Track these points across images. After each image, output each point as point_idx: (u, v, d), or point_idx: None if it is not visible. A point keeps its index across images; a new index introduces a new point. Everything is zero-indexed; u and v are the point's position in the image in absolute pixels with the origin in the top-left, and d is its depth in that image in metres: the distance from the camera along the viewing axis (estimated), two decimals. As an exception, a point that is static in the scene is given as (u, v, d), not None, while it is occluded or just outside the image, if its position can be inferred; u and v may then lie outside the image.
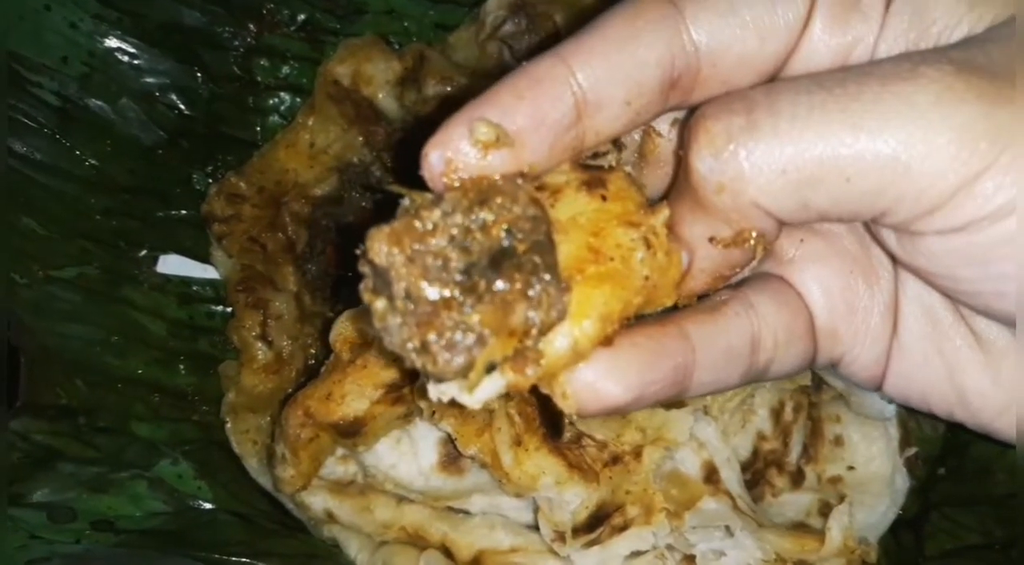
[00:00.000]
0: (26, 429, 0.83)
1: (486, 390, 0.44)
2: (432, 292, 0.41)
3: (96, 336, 0.96)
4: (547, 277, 0.41)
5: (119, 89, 1.05)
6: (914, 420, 0.97)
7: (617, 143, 0.52)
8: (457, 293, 0.41)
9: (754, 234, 0.45)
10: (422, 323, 0.41)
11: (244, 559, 0.84)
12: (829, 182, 0.42)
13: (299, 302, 1.04)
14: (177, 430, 0.94)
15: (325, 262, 1.04)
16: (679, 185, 0.47)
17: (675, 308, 0.49)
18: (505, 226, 0.42)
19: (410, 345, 0.43)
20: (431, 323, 0.41)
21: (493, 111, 0.44)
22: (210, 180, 1.09)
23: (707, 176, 0.43)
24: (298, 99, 1.14)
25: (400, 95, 1.13)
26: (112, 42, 1.06)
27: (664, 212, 0.46)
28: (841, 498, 0.91)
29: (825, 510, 0.91)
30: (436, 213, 0.42)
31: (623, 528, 0.82)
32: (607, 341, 0.44)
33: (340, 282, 1.03)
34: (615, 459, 0.84)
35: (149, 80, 1.08)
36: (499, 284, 0.41)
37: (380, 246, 0.41)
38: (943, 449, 0.99)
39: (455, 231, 0.41)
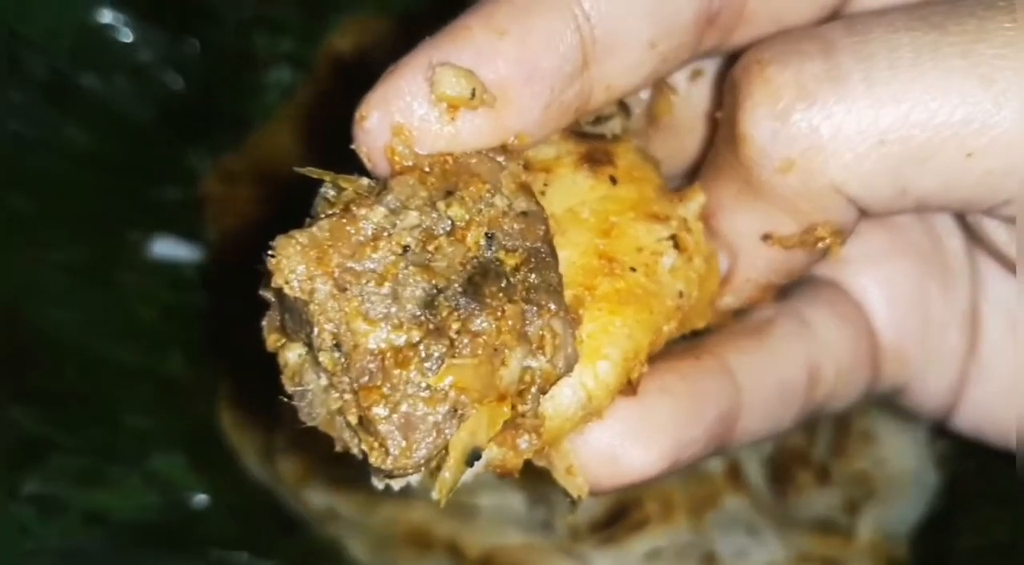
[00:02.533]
0: (15, 419, 0.80)
1: (459, 479, 0.30)
2: (376, 338, 0.27)
3: (87, 321, 0.92)
4: (549, 304, 0.28)
5: (112, 64, 1.00)
6: (943, 413, 0.93)
7: (623, 105, 0.37)
8: (416, 337, 0.27)
9: (829, 230, 0.32)
10: (363, 388, 0.27)
11: (242, 555, 0.80)
12: (943, 158, 0.29)
13: (299, 287, 1.00)
14: (170, 421, 0.90)
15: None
16: (718, 161, 0.34)
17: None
18: (485, 229, 0.28)
19: (342, 421, 0.29)
20: (375, 388, 0.27)
21: (463, 53, 0.30)
22: (205, 159, 1.04)
23: (767, 148, 0.31)
24: (298, 75, 1.09)
25: (405, 72, 1.09)
26: (104, 15, 1.02)
27: (698, 198, 0.33)
28: (869, 495, 0.88)
29: (852, 507, 0.87)
30: (379, 211, 0.28)
31: (641, 526, 0.79)
32: (630, 389, 0.31)
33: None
34: (633, 453, 0.80)
35: (143, 54, 1.03)
36: (480, 321, 0.27)
37: (292, 266, 0.28)
38: (972, 444, 0.95)
39: (409, 239, 0.28)
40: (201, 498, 0.84)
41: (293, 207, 1.06)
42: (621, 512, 0.79)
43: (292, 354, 0.29)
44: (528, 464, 0.39)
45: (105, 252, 0.95)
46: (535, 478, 0.76)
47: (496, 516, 0.85)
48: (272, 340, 0.29)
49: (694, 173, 0.38)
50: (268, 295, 0.29)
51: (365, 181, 0.30)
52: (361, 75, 1.07)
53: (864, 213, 0.33)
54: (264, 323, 0.29)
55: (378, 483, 0.31)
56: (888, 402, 0.47)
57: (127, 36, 1.03)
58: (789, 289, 0.39)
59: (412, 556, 0.84)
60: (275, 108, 1.08)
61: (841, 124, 0.29)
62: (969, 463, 0.94)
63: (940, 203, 0.31)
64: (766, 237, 0.34)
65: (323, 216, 0.30)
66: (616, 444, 0.33)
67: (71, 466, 0.80)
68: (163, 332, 0.96)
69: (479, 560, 0.83)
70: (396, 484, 0.31)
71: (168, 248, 1.01)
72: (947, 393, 0.42)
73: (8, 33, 0.96)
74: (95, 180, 0.98)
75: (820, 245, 0.33)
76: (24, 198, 0.92)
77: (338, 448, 0.30)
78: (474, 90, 0.29)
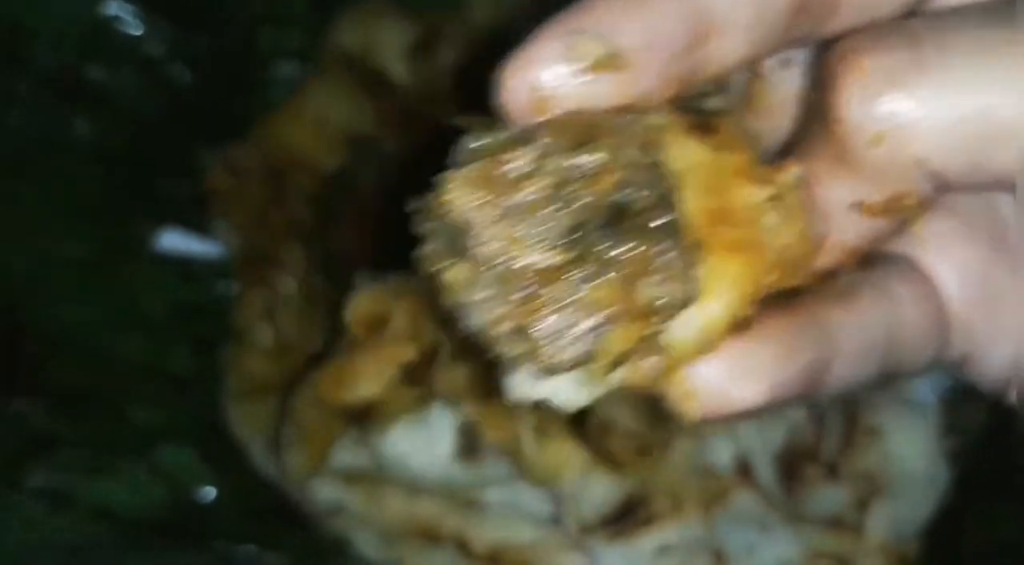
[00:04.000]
0: (22, 413, 0.80)
1: (593, 391, 0.35)
2: (532, 259, 0.32)
3: (94, 315, 0.92)
4: (675, 243, 0.33)
5: (119, 57, 1.01)
6: (955, 409, 0.92)
7: (721, 84, 0.49)
8: (566, 260, 0.32)
9: (912, 200, 0.37)
10: (520, 301, 0.32)
11: (249, 548, 0.80)
12: (1019, 137, 0.34)
13: (305, 282, 1.00)
14: (177, 415, 0.90)
15: (334, 241, 0.99)
16: (811, 138, 0.39)
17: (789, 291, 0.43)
18: (619, 175, 0.33)
19: (503, 328, 0.34)
20: (533, 299, 0.32)
21: (595, 24, 0.36)
22: (213, 153, 1.04)
23: (860, 124, 0.35)
24: (305, 69, 1.09)
25: (413, 65, 1.09)
26: (112, 9, 1.02)
27: (796, 169, 0.37)
28: (879, 491, 0.87)
29: (862, 504, 0.87)
30: (526, 156, 0.33)
31: (650, 522, 0.79)
32: (739, 329, 0.36)
33: (349, 262, 0.98)
34: (643, 450, 0.79)
35: (150, 48, 1.03)
36: (617, 251, 0.32)
37: (461, 194, 0.33)
38: (984, 439, 0.95)
39: (554, 180, 0.33)
40: (208, 492, 0.84)
41: (301, 198, 1.06)
42: (630, 508, 0.79)
43: (458, 272, 0.34)
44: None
45: (111, 246, 0.95)
46: (549, 476, 0.77)
47: (504, 511, 0.84)
48: (435, 262, 0.34)
49: (785, 151, 0.43)
50: (430, 226, 0.34)
51: (515, 131, 0.34)
52: (365, 69, 1.07)
53: (945, 187, 0.37)
54: (426, 250, 0.34)
55: (518, 392, 0.36)
56: (951, 371, 0.50)
57: (135, 29, 1.03)
58: (870, 261, 0.44)
59: (419, 551, 0.83)
60: (282, 102, 1.09)
61: (925, 104, 0.34)
62: (980, 460, 0.94)
63: (1013, 180, 0.35)
64: (855, 205, 0.38)
65: (478, 159, 0.34)
66: (727, 377, 0.37)
67: (78, 459, 0.79)
68: (170, 326, 0.96)
69: (487, 555, 0.82)
70: (534, 394, 0.35)
71: (175, 242, 1.01)
72: (1008, 367, 0.45)
73: (14, 25, 0.96)
74: (101, 173, 0.98)
75: (902, 214, 0.38)
76: (30, 191, 0.93)
77: (494, 353, 0.34)
78: (606, 55, 0.34)
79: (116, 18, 1.02)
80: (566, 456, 0.77)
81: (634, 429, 0.79)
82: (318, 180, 1.04)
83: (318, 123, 1.06)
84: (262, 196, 1.02)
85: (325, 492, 0.85)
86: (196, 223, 1.02)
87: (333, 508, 0.85)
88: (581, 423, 0.79)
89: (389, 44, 1.07)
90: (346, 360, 0.75)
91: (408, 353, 0.74)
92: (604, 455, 0.78)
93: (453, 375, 0.74)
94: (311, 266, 1.01)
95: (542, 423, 0.77)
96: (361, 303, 0.76)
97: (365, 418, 0.77)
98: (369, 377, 0.74)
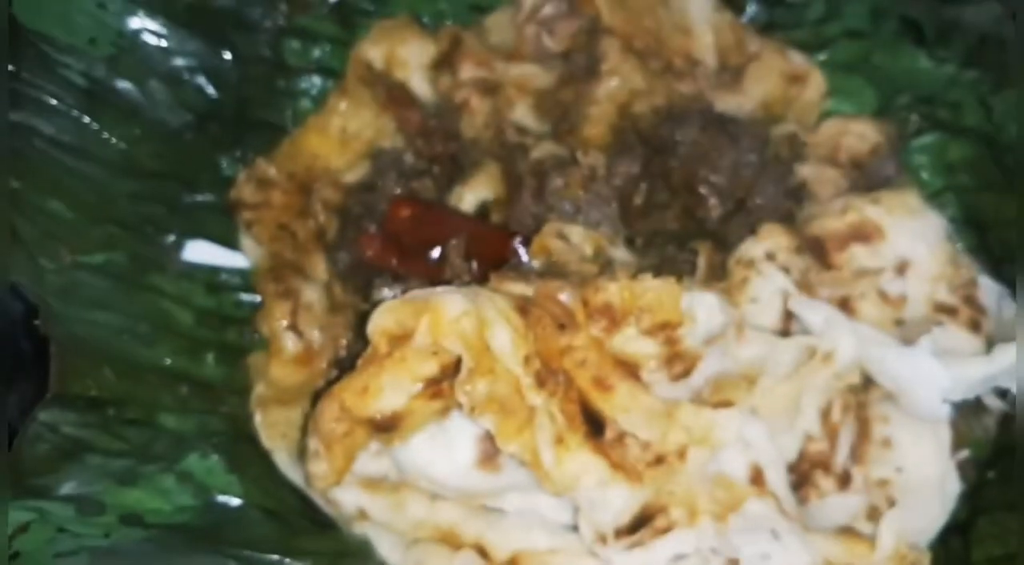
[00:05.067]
0: (54, 421, 0.81)
1: None
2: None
3: (124, 324, 0.93)
4: None
5: (147, 71, 1.03)
6: (965, 422, 0.93)
7: None
8: None
9: None
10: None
11: (275, 556, 0.82)
12: None
13: (330, 292, 1.02)
14: (205, 422, 0.92)
15: (357, 251, 1.01)
16: None
17: None
18: None
19: None
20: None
21: None
22: (239, 165, 1.07)
23: None
24: (330, 82, 1.12)
25: (434, 79, 1.10)
26: (140, 23, 1.04)
27: None
28: (890, 502, 0.88)
29: (874, 514, 0.88)
30: None
31: (666, 530, 0.80)
32: None
33: (373, 271, 1.00)
34: (659, 459, 0.81)
35: (177, 62, 1.05)
36: None
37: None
38: (994, 452, 0.95)
39: None
40: (235, 499, 0.85)
41: (325, 209, 1.07)
42: (647, 517, 0.80)
43: None
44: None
45: (141, 256, 0.97)
46: (567, 485, 0.78)
47: (523, 518, 0.86)
48: None
49: None
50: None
51: None
52: (389, 82, 1.09)
53: None
54: None
55: None
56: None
57: (163, 44, 1.05)
58: None
59: (441, 556, 0.85)
60: (306, 115, 1.10)
61: None
62: (992, 471, 0.95)
63: None
64: None
65: None
66: None
67: (108, 467, 0.81)
68: (198, 335, 0.98)
69: (506, 562, 0.84)
70: None
71: (202, 252, 1.02)
72: None
73: (47, 40, 0.98)
74: (131, 185, 0.99)
75: None
76: (61, 203, 0.94)
77: None
78: None
79: (144, 32, 1.04)
80: (584, 466, 0.78)
81: (649, 440, 0.81)
82: (342, 191, 1.06)
83: (342, 136, 1.08)
84: (287, 208, 1.04)
85: (349, 499, 0.87)
86: (222, 234, 1.04)
87: (356, 514, 0.87)
88: (599, 433, 0.80)
89: (411, 59, 1.08)
90: (370, 374, 0.76)
91: (431, 367, 0.76)
92: (621, 465, 0.79)
93: (474, 388, 0.75)
94: (334, 275, 1.03)
95: (560, 434, 0.78)
96: (384, 318, 0.77)
97: (388, 429, 0.78)
98: (393, 391, 0.76)
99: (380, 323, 0.77)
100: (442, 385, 0.77)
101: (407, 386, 0.76)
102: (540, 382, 0.77)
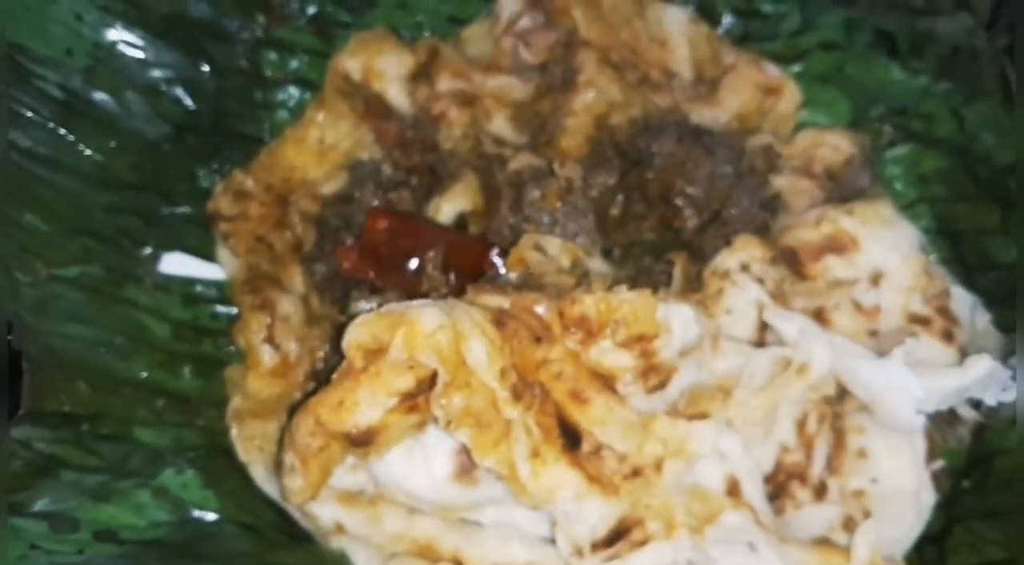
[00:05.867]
0: (27, 437, 0.81)
1: None
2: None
3: (99, 337, 0.93)
4: None
5: (124, 82, 1.02)
6: (939, 432, 0.94)
7: None
8: None
9: None
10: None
11: (252, 569, 0.82)
12: None
13: (307, 304, 1.01)
14: (181, 436, 0.91)
15: (334, 263, 1.00)
16: None
17: None
18: None
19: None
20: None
21: None
22: (216, 177, 1.06)
23: None
24: (307, 94, 1.12)
25: (412, 90, 1.10)
26: (117, 34, 1.03)
27: None
28: (865, 512, 0.89)
29: (849, 524, 0.88)
30: None
31: (643, 543, 0.80)
32: None
33: (350, 283, 1.00)
34: (635, 472, 0.81)
35: (154, 73, 1.05)
36: None
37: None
38: (968, 461, 0.96)
39: None
40: (210, 514, 0.85)
41: (302, 221, 1.07)
42: (624, 529, 0.80)
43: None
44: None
45: (117, 269, 0.97)
46: (543, 498, 0.78)
47: (500, 531, 0.86)
48: None
49: None
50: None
51: None
52: (366, 94, 1.09)
53: None
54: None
55: None
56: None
57: (140, 55, 1.04)
58: None
59: (418, 569, 0.85)
60: (284, 126, 1.10)
61: None
62: (966, 480, 0.96)
63: None
64: None
65: None
66: None
67: (82, 483, 0.80)
68: (175, 348, 0.98)
69: (484, 574, 0.84)
70: None
71: (179, 265, 1.02)
72: None
73: (22, 51, 0.97)
74: (107, 197, 0.99)
75: None
76: (36, 216, 0.93)
77: None
78: None
79: (120, 43, 1.03)
80: (560, 480, 0.78)
81: (626, 452, 0.81)
82: (319, 203, 1.06)
83: (320, 147, 1.08)
84: (264, 219, 1.03)
85: (325, 512, 0.87)
86: (199, 246, 1.04)
87: (333, 528, 0.87)
88: (575, 446, 0.80)
89: (389, 71, 1.08)
90: (346, 388, 0.76)
91: (407, 381, 0.76)
92: (597, 478, 0.80)
93: (450, 402, 0.75)
94: (311, 287, 1.03)
95: (537, 447, 0.78)
96: (359, 332, 0.77)
97: (364, 444, 0.78)
98: (369, 405, 0.76)
99: (355, 337, 0.77)
100: (418, 399, 0.77)
101: (383, 400, 0.76)
102: (516, 395, 0.77)
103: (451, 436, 0.78)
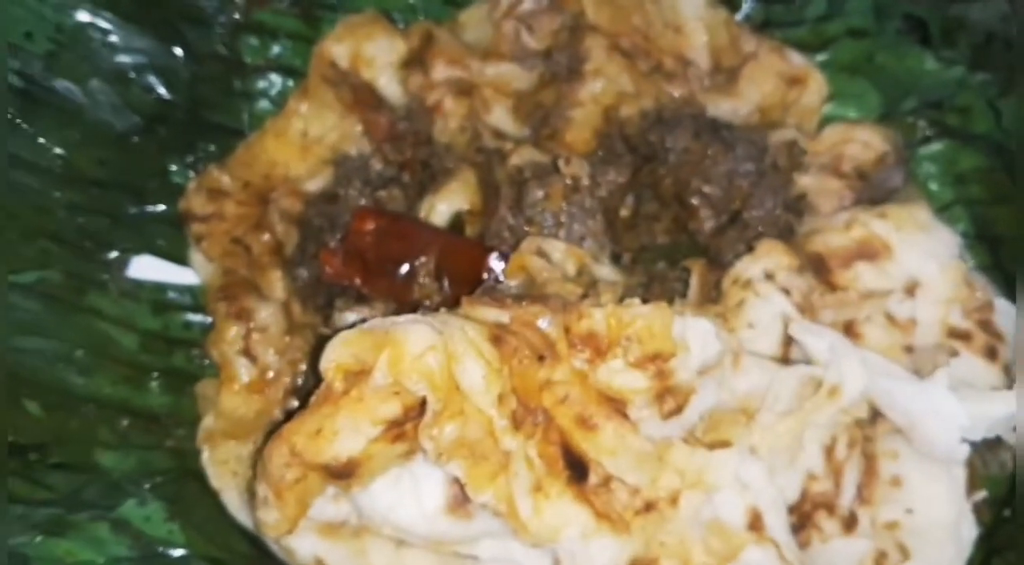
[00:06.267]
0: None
1: None
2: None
3: (58, 350, 0.86)
4: None
5: (90, 69, 0.94)
6: (979, 457, 0.86)
7: None
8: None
9: None
10: None
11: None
12: None
13: (287, 312, 0.93)
14: (147, 459, 0.84)
15: (318, 266, 0.92)
16: None
17: None
18: None
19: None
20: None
21: None
22: (190, 173, 0.98)
23: None
24: (290, 82, 1.04)
25: (404, 79, 1.02)
26: (83, 16, 0.95)
27: None
28: (900, 547, 0.81)
29: (881, 560, 0.81)
30: None
31: (656, 583, 0.73)
32: None
33: (335, 290, 0.92)
34: (648, 506, 0.73)
35: (124, 59, 0.97)
36: None
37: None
38: (1009, 488, 0.88)
39: None
40: (177, 549, 0.77)
41: (283, 221, 0.98)
42: (635, 570, 0.72)
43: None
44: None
45: (78, 275, 0.89)
46: (547, 537, 0.71)
47: (498, 567, 0.78)
48: None
49: None
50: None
51: None
52: (355, 83, 1.00)
53: None
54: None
55: None
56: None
57: (107, 39, 0.96)
58: None
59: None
60: (264, 117, 1.02)
61: None
62: (1008, 509, 0.88)
63: None
64: None
65: None
66: None
67: (32, 517, 0.73)
68: (142, 361, 0.90)
69: (476, 613, 0.76)
70: None
71: (149, 269, 0.95)
72: None
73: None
74: (69, 195, 0.91)
75: None
76: (-8, 214, 0.86)
77: None
78: None
79: (86, 27, 0.96)
80: (565, 517, 0.70)
81: (638, 485, 0.73)
82: (302, 201, 0.98)
83: (303, 140, 1.00)
84: (241, 220, 0.95)
85: (305, 546, 0.79)
86: (172, 249, 0.96)
87: (313, 563, 0.79)
88: (582, 478, 0.72)
89: (379, 57, 1.00)
90: (324, 415, 0.68)
91: (392, 408, 0.67)
92: (606, 514, 0.72)
93: (440, 432, 0.67)
94: (293, 294, 0.95)
95: (539, 481, 0.70)
96: (339, 352, 0.69)
97: (345, 476, 0.70)
98: (349, 434, 0.67)
99: (334, 358, 0.69)
100: (405, 427, 0.69)
101: (365, 429, 0.68)
102: (516, 423, 0.69)
103: (443, 469, 0.70)
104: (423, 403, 0.68)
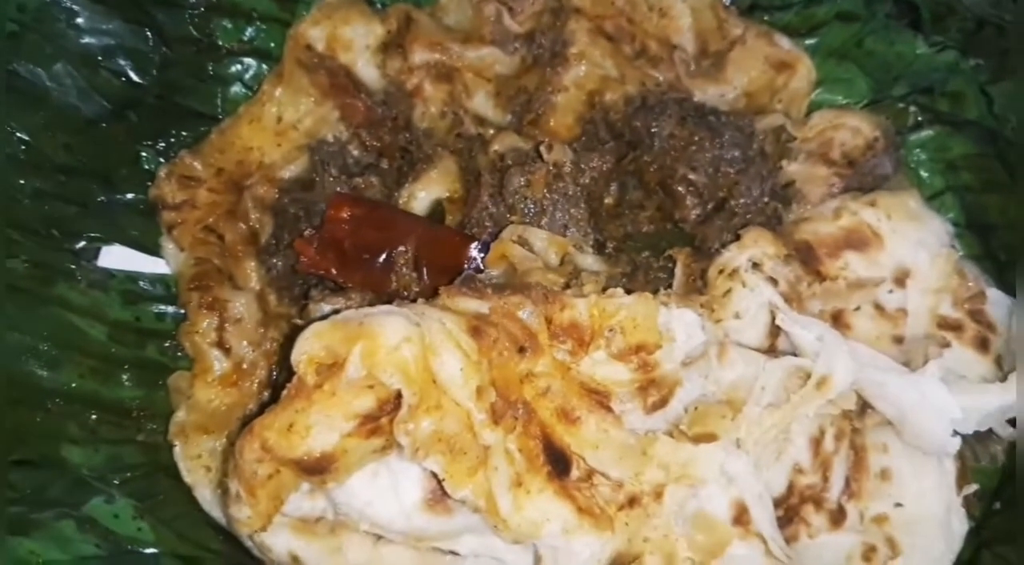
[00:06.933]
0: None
1: None
2: None
3: (22, 343, 0.82)
4: None
5: (55, 52, 0.90)
6: (970, 449, 0.85)
7: None
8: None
9: None
10: None
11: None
12: None
13: (262, 302, 0.91)
14: (117, 454, 0.81)
15: (293, 255, 0.89)
16: None
17: None
18: None
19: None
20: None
21: None
22: (161, 159, 0.95)
23: None
24: (265, 66, 1.00)
25: (382, 63, 0.98)
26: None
27: None
28: (889, 541, 0.80)
29: (870, 555, 0.79)
30: None
31: (641, 581, 0.71)
32: None
33: (308, 277, 0.89)
34: (632, 501, 0.71)
35: (91, 41, 0.93)
36: None
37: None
38: (1001, 480, 0.87)
39: None
40: (147, 547, 0.75)
41: (257, 209, 0.95)
42: (619, 566, 0.70)
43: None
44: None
45: (45, 265, 0.86)
46: (527, 533, 0.68)
47: (479, 563, 0.76)
48: None
49: None
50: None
51: None
52: (331, 67, 0.97)
53: None
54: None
55: None
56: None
57: (74, 21, 0.92)
58: None
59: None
60: (239, 102, 0.99)
61: None
62: (998, 501, 0.86)
63: None
64: None
65: None
66: None
67: (-3, 516, 0.70)
68: (112, 353, 0.87)
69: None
70: None
71: (119, 258, 0.91)
72: None
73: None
74: (35, 183, 0.88)
75: None
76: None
77: None
78: None
79: (52, 7, 0.92)
80: (546, 512, 0.68)
81: (621, 479, 0.71)
82: (277, 188, 0.94)
83: (278, 126, 0.96)
84: (214, 207, 0.92)
85: (279, 543, 0.76)
86: (143, 237, 0.93)
87: (289, 560, 0.77)
88: (564, 472, 0.70)
89: (357, 40, 0.97)
90: (296, 409, 0.65)
91: (367, 402, 0.65)
92: (588, 509, 0.70)
93: (417, 426, 0.65)
94: (268, 283, 0.92)
95: (519, 476, 0.68)
96: (310, 344, 0.66)
97: (319, 472, 0.68)
98: (323, 429, 0.65)
99: (306, 350, 0.66)
100: (381, 421, 0.67)
101: (339, 424, 0.66)
102: (495, 417, 0.67)
103: (420, 465, 0.68)
104: (398, 397, 0.66)
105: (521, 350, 0.70)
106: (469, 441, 0.67)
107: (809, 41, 1.03)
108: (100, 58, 0.94)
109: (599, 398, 0.72)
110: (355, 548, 0.76)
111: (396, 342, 0.65)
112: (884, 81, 1.01)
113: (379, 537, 0.76)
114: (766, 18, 1.04)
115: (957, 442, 0.76)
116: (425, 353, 0.66)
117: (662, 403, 0.73)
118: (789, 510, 0.80)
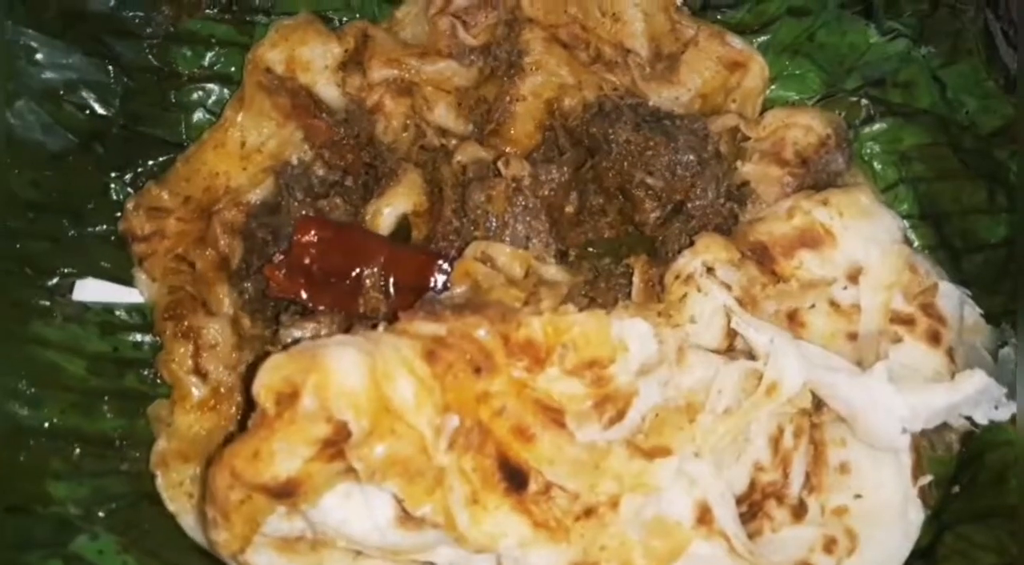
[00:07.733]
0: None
1: None
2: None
3: (5, 382, 0.84)
4: None
5: (16, 88, 0.92)
6: (927, 441, 0.87)
7: None
8: None
9: None
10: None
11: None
12: None
13: (236, 326, 0.93)
14: (101, 486, 0.83)
15: (263, 279, 0.91)
16: None
17: None
18: None
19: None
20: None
21: None
22: (129, 189, 0.97)
23: None
24: (227, 91, 1.01)
25: (342, 81, 0.99)
26: (7, 33, 0.92)
27: None
28: (848, 532, 0.82)
29: (831, 546, 0.82)
30: None
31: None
32: None
33: (279, 300, 0.91)
34: (588, 511, 0.74)
35: (52, 76, 0.94)
36: None
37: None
38: (958, 466, 0.89)
39: None
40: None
41: (227, 234, 0.96)
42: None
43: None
44: None
45: (19, 304, 0.88)
46: (485, 546, 0.71)
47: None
48: None
49: None
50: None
51: None
52: (292, 88, 0.98)
53: None
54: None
55: None
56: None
57: (33, 56, 0.94)
58: None
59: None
60: (203, 128, 1.00)
61: None
62: (956, 486, 0.89)
63: None
64: None
65: None
66: None
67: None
68: (92, 386, 0.89)
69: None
70: None
71: (94, 291, 0.93)
72: None
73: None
74: (5, 220, 0.89)
75: None
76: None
77: None
78: None
79: (11, 44, 0.93)
80: (502, 527, 0.71)
81: (577, 491, 0.73)
82: (244, 213, 0.96)
83: (242, 150, 0.98)
84: (183, 236, 0.94)
85: (262, 562, 0.79)
86: (116, 269, 0.94)
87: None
88: (521, 487, 0.72)
89: (316, 61, 0.98)
90: (260, 438, 0.68)
91: (323, 429, 0.68)
92: (544, 523, 0.72)
93: (370, 451, 0.67)
94: (241, 307, 0.94)
95: (475, 493, 0.71)
96: (269, 376, 0.68)
97: (288, 494, 0.70)
98: (285, 455, 0.68)
99: (265, 382, 0.69)
100: (341, 446, 0.69)
101: (300, 450, 0.68)
102: (449, 439, 0.69)
103: (379, 488, 0.70)
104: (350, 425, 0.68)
105: (477, 371, 0.73)
106: (424, 463, 0.69)
107: (762, 38, 1.04)
108: (62, 92, 0.95)
109: (553, 415, 0.73)
110: (336, 563, 0.79)
111: (345, 376, 0.67)
112: (837, 74, 1.02)
113: (359, 552, 0.79)
114: (719, 16, 1.05)
115: (907, 439, 0.78)
116: (378, 381, 0.68)
117: (619, 417, 0.75)
118: (752, 506, 0.83)
